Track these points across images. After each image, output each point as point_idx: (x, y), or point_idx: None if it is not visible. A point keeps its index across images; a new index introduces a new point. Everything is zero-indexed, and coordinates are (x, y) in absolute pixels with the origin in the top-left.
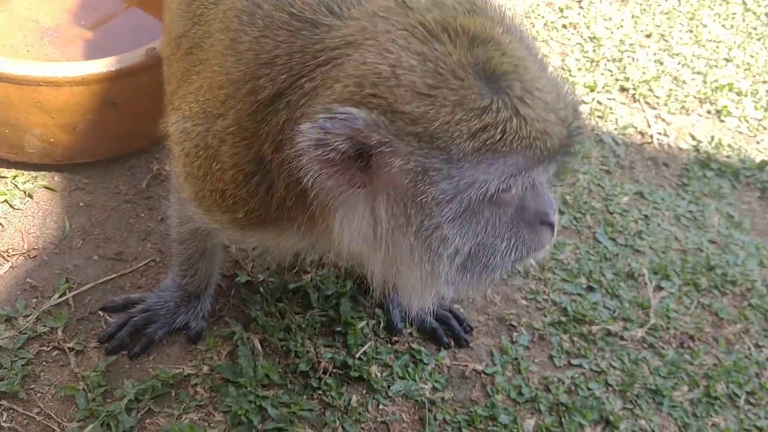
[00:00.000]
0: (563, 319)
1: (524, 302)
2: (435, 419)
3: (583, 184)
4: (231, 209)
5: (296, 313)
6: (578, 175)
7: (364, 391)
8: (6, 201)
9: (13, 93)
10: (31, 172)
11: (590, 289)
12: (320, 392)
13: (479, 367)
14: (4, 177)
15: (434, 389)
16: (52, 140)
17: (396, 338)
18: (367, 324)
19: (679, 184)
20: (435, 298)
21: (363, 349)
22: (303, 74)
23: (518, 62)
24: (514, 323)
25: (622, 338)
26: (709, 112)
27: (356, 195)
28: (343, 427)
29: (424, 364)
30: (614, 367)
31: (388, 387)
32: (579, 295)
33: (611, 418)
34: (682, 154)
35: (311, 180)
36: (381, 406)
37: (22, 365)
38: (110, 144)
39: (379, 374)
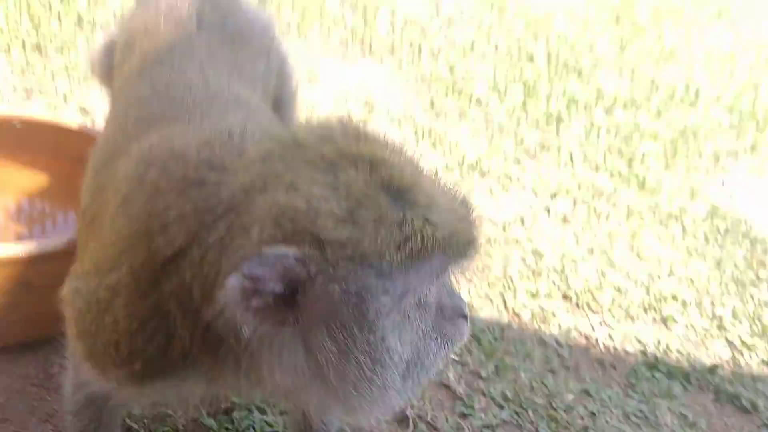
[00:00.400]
0: None
1: None
2: None
3: (525, 382)
4: (126, 362)
5: None
6: (519, 372)
7: None
8: None
9: None
10: None
11: None
12: None
13: None
14: None
15: None
16: None
17: None
18: None
19: (627, 384)
20: (383, 411)
21: None
22: (202, 231)
23: (414, 177)
24: None
25: None
26: (654, 319)
27: (285, 333)
28: None
29: None
30: None
31: None
32: None
33: None
34: (629, 357)
35: (237, 330)
36: None
37: None
38: (23, 327)
39: None
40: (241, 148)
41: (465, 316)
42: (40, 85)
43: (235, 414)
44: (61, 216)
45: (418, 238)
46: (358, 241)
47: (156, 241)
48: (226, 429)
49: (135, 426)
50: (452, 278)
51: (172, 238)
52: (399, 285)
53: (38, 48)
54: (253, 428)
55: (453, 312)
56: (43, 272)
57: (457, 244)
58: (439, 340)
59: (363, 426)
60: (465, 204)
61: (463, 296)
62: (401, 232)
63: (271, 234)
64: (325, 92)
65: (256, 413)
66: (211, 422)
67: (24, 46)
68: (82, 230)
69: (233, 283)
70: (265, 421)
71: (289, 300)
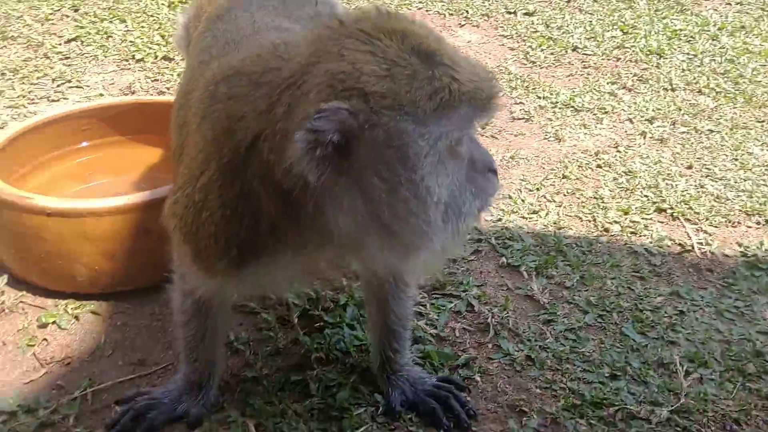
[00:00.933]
0: (579, 402)
1: (538, 390)
2: None
3: (611, 288)
4: (225, 251)
5: (294, 401)
6: (606, 280)
7: None
8: (55, 322)
9: (63, 226)
10: (82, 301)
11: (614, 377)
12: None
13: None
14: (57, 305)
15: None
16: (96, 268)
17: (395, 424)
18: (365, 411)
19: (724, 285)
20: (431, 254)
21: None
22: (272, 108)
23: (439, 44)
24: (525, 409)
25: (648, 421)
26: (758, 222)
27: (344, 180)
28: None
29: None
30: None
31: None
32: (600, 383)
33: None
34: (727, 261)
35: (305, 181)
36: None
37: None
38: (146, 271)
39: None
40: (292, 45)
41: (494, 171)
42: (170, 86)
43: (327, 331)
44: None
45: (446, 90)
46: (396, 92)
47: (236, 133)
48: (319, 344)
49: (241, 348)
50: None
51: (249, 124)
52: (433, 131)
53: (167, 58)
54: (343, 343)
55: (483, 166)
56: (157, 217)
57: (481, 97)
58: (473, 190)
59: (441, 333)
60: (485, 69)
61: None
62: (431, 85)
63: (327, 93)
64: None
65: (347, 329)
66: (306, 339)
67: (156, 57)
68: (174, 165)
69: (299, 137)
70: (354, 336)
71: (345, 150)
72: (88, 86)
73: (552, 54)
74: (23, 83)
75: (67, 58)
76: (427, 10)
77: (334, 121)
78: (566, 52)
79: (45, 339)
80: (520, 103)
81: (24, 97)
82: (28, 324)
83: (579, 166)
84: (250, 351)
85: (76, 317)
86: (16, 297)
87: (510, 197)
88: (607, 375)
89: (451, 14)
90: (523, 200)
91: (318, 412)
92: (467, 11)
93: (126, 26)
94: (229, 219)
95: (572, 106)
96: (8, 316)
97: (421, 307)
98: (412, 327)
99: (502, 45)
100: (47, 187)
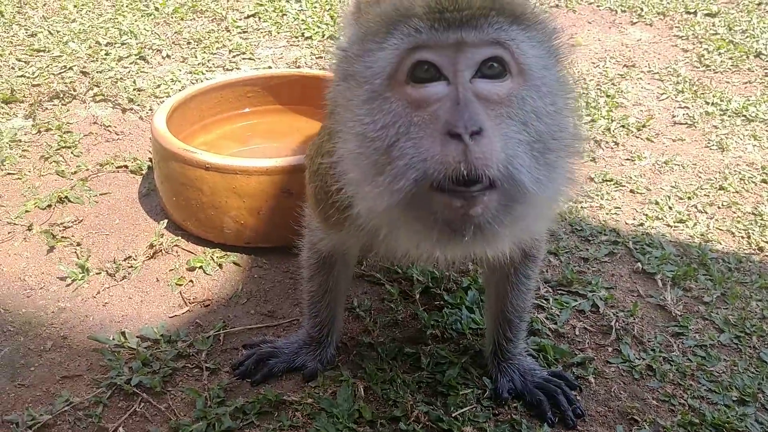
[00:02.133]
0: (698, 422)
1: (654, 402)
2: None
3: (755, 310)
4: (346, 208)
5: (405, 372)
6: (750, 301)
7: None
8: (201, 267)
9: (218, 180)
10: (226, 252)
11: (742, 402)
12: None
13: None
14: (205, 252)
15: None
16: (242, 222)
17: (499, 410)
18: (472, 392)
19: None
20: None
21: (461, 410)
22: None
23: None
24: (637, 418)
25: None
26: None
27: None
28: None
29: None
30: None
31: None
32: (726, 405)
33: None
34: None
35: None
36: None
37: (166, 371)
38: (284, 230)
39: None
40: None
41: (456, 135)
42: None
43: (446, 310)
44: None
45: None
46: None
47: None
48: (436, 321)
49: (362, 314)
50: (462, 79)
51: None
52: (364, 57)
53: (333, 37)
54: (460, 324)
55: (444, 126)
56: (299, 181)
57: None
58: (415, 146)
59: (560, 330)
60: None
61: (477, 119)
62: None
63: None
64: (584, 55)
65: (465, 311)
66: (424, 315)
67: (323, 36)
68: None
69: None
70: (472, 319)
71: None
72: (259, 59)
73: (730, 59)
74: (204, 52)
75: (244, 32)
76: (598, 6)
77: None
78: (747, 57)
79: (191, 281)
80: (685, 107)
81: (203, 65)
82: (179, 266)
83: (741, 179)
84: (370, 319)
85: (220, 265)
86: (172, 240)
87: (657, 203)
88: (734, 399)
89: (624, 11)
90: (670, 207)
91: (425, 385)
92: (641, 8)
93: (300, 6)
94: None
95: (744, 115)
96: (164, 256)
97: (543, 300)
98: (529, 319)
99: (675, 46)
100: (210, 145)
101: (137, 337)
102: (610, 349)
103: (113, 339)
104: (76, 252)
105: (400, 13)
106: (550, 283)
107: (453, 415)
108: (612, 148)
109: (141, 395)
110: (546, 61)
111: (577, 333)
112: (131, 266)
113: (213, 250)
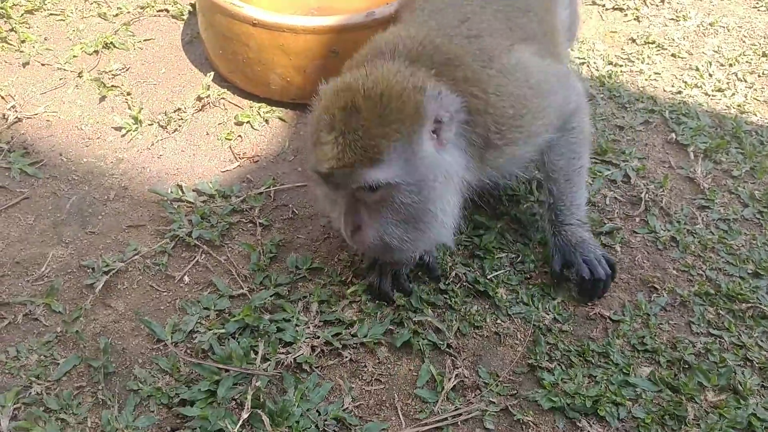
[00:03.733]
0: (713, 292)
1: (674, 272)
2: (547, 343)
3: None
4: None
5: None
6: None
7: (486, 306)
8: (248, 122)
9: (265, 36)
10: (272, 107)
11: (756, 275)
12: (446, 296)
13: (606, 313)
14: (252, 106)
15: (555, 320)
16: (288, 79)
17: (531, 273)
18: (507, 256)
19: None
20: None
21: (496, 273)
22: None
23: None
24: (657, 286)
25: None
26: None
27: None
28: (458, 328)
29: (552, 298)
30: (761, 346)
31: (510, 307)
32: (741, 278)
33: (740, 388)
34: None
35: None
36: (498, 321)
37: (223, 226)
38: None
39: (504, 295)
40: None
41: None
42: None
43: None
44: None
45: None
46: None
47: None
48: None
49: None
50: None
51: None
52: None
53: None
54: (497, 189)
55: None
56: (346, 41)
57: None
58: (334, 215)
59: (592, 198)
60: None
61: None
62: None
63: None
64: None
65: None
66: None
67: None
68: None
69: None
70: (508, 185)
71: None
72: None
73: None
74: None
75: None
76: None
77: None
78: None
79: (240, 135)
80: None
81: None
82: (227, 120)
83: None
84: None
85: (267, 120)
86: (218, 93)
87: (697, 69)
88: (749, 272)
89: None
90: (710, 74)
91: (464, 248)
92: None
93: None
94: None
95: None
96: (212, 109)
97: None
98: (586, 194)
99: None
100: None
101: (193, 191)
102: (637, 220)
103: (171, 192)
104: (127, 102)
105: (311, 168)
106: None
107: (488, 277)
108: (657, 6)
109: (201, 247)
110: (406, 169)
111: (607, 203)
112: (181, 118)
113: (259, 105)
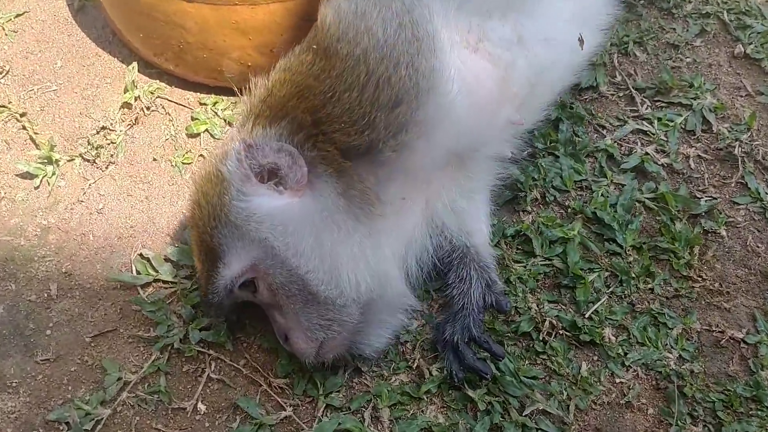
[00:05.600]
0: None
1: None
2: (683, 395)
3: None
4: None
5: (515, 261)
6: None
7: (596, 358)
8: (207, 130)
9: (209, 14)
10: (231, 98)
11: None
12: (545, 357)
13: (738, 335)
14: (204, 104)
15: (681, 359)
16: (249, 64)
17: (634, 296)
18: (599, 276)
19: None
20: None
21: (594, 307)
22: None
23: None
24: None
25: None
26: None
27: None
28: (570, 398)
29: (668, 328)
30: None
31: (625, 354)
32: None
33: None
34: None
35: None
36: (616, 378)
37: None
38: None
39: (613, 338)
40: None
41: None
42: None
43: (540, 161)
44: None
45: None
46: None
47: None
48: (534, 179)
49: None
50: None
51: None
52: None
53: None
54: (560, 177)
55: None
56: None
57: None
58: None
59: (674, 164)
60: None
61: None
62: None
63: None
64: None
65: (564, 160)
66: (516, 172)
67: None
68: None
69: None
70: (574, 169)
71: None
72: None
73: None
74: None
75: None
76: None
77: None
78: None
79: (201, 155)
80: None
81: None
82: (176, 132)
83: None
84: None
85: (229, 123)
86: (151, 91)
87: None
88: None
89: None
90: None
91: (543, 276)
92: None
93: None
94: None
95: None
96: (148, 118)
97: (644, 122)
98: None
99: None
100: None
101: (167, 261)
102: (732, 184)
103: (137, 272)
104: (26, 131)
105: None
106: (644, 92)
107: (586, 315)
108: None
109: (208, 353)
110: (243, 250)
111: (692, 166)
112: (112, 143)
113: (212, 99)
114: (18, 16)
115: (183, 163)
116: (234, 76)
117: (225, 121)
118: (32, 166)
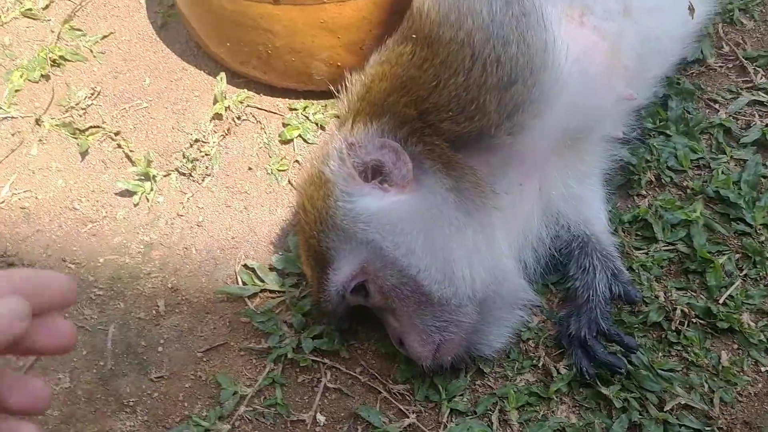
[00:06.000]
0: None
1: None
2: None
3: None
4: None
5: (636, 248)
6: None
7: (736, 347)
8: (300, 136)
9: (297, 16)
10: (321, 101)
11: None
12: (679, 348)
13: None
14: (294, 109)
15: None
16: (339, 64)
17: None
18: (729, 258)
19: None
20: None
21: (728, 292)
22: None
23: None
24: None
25: None
26: None
27: None
28: (713, 391)
29: None
30: None
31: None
32: None
33: None
34: None
35: None
36: (761, 366)
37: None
38: None
39: (753, 324)
40: None
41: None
42: None
43: (652, 142)
44: None
45: None
46: None
47: None
48: (647, 161)
49: None
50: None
51: None
52: None
53: None
54: (675, 157)
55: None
56: None
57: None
58: None
59: None
60: None
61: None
62: None
63: None
64: None
65: (676, 138)
66: (626, 155)
67: None
68: None
69: None
70: (689, 147)
71: None
72: None
73: None
74: None
75: None
76: None
77: None
78: None
79: (296, 160)
80: None
81: None
82: (269, 140)
83: None
84: None
85: (321, 126)
86: (240, 100)
87: None
88: None
89: None
90: None
91: (668, 263)
92: None
93: None
94: None
95: None
96: (240, 128)
97: (760, 93)
98: None
99: None
100: None
101: (272, 270)
102: None
103: (244, 284)
104: (121, 148)
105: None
106: (756, 60)
107: (720, 301)
108: None
109: (323, 362)
110: (354, 251)
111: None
112: (206, 155)
113: (302, 104)
114: (104, 37)
115: (279, 170)
116: (323, 78)
117: (317, 125)
118: (131, 184)
